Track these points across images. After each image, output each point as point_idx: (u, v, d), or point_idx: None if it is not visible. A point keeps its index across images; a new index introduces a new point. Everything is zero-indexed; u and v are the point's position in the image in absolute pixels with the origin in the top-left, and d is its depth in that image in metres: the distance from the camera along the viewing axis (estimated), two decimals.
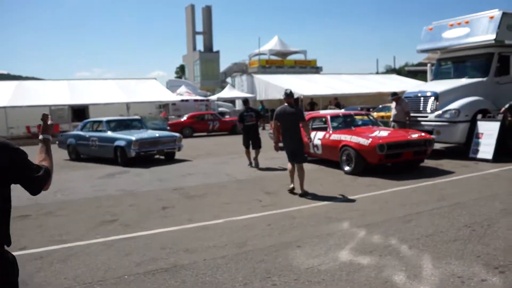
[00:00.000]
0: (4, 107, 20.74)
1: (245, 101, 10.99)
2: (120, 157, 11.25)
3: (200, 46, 54.67)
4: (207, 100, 29.73)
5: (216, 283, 3.64)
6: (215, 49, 54.50)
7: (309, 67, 46.80)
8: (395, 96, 10.31)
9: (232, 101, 34.10)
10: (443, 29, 11.34)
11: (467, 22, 10.75)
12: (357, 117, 10.15)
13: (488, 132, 9.35)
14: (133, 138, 10.86)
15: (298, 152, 6.96)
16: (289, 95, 7.09)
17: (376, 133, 8.43)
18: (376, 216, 5.47)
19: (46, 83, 28.29)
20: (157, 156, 11.92)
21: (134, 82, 29.92)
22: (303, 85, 28.51)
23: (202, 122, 21.32)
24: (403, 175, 8.12)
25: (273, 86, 29.12)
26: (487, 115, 9.68)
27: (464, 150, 9.96)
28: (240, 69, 50.02)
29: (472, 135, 9.65)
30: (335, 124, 9.47)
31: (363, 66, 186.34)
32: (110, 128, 12.24)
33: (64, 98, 24.03)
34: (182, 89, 30.97)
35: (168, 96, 27.43)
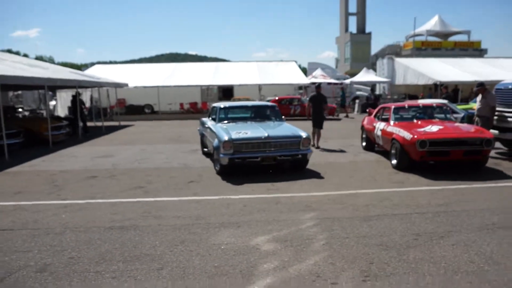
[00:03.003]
0: (157, 87, 24.71)
1: (318, 86, 11.89)
2: (218, 162, 7.96)
3: (353, 27, 53.48)
4: (341, 84, 29.48)
5: (134, 244, 4.37)
6: (367, 30, 52.57)
7: (472, 49, 41.28)
8: (480, 88, 8.96)
9: (372, 85, 32.91)
10: None
11: None
12: (432, 109, 9.19)
13: None
14: (225, 138, 7.55)
15: (321, 123, 11.38)
16: (317, 86, 11.52)
17: (426, 128, 7.66)
18: (352, 212, 5.33)
19: (197, 65, 32.23)
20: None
21: (274, 64, 31.73)
22: (445, 70, 25.74)
23: (284, 106, 21.59)
24: (452, 175, 7.32)
25: (412, 71, 27.10)
26: None
27: None
28: (394, 51, 47.19)
29: None
30: (398, 116, 8.88)
31: None
32: (223, 118, 9.07)
33: (209, 79, 27.10)
34: (317, 72, 31.29)
35: (301, 79, 28.16)
